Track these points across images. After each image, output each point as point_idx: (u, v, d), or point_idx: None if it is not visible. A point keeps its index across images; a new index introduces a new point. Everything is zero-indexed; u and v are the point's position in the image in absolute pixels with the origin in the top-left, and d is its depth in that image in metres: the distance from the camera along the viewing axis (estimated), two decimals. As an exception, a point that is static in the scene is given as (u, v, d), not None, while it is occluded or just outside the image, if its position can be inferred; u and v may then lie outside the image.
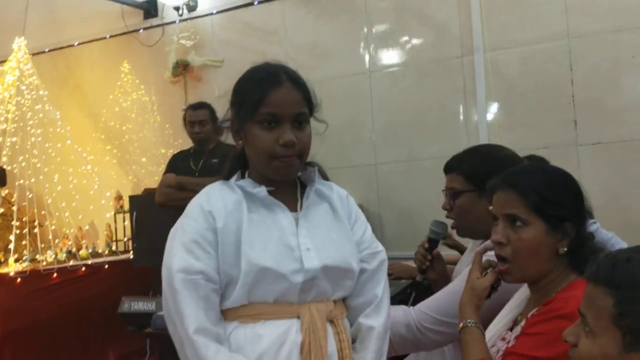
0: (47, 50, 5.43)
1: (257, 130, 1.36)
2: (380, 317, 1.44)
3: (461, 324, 1.48)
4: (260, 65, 1.45)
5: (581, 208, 1.43)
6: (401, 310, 1.79)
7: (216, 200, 1.37)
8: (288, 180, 1.45)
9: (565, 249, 1.39)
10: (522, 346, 1.35)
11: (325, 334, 1.34)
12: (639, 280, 0.96)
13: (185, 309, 1.26)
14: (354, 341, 1.44)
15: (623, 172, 3.38)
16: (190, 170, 3.58)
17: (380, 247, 1.51)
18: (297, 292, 1.34)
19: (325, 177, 1.55)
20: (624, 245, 2.41)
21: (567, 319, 1.23)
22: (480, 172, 1.77)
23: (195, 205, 1.38)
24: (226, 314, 1.34)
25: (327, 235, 1.42)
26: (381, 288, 1.46)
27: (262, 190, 1.39)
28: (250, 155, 1.42)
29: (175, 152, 4.06)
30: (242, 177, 1.45)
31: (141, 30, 4.97)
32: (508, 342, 1.44)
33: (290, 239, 1.36)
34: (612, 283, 0.99)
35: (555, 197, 1.40)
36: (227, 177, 1.45)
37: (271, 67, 1.43)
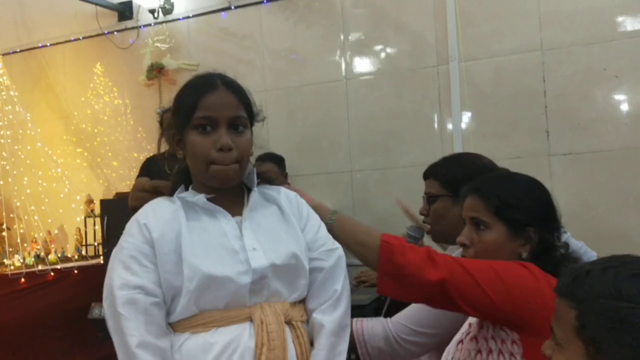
0: (18, 50, 5.32)
1: (193, 136, 1.36)
2: (335, 312, 1.38)
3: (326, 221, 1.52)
4: (200, 74, 1.46)
5: (547, 216, 1.46)
6: (379, 324, 1.80)
7: (153, 212, 1.37)
8: (232, 186, 1.43)
9: (527, 254, 1.42)
10: (494, 262, 1.38)
11: (284, 334, 1.30)
12: (598, 292, 0.98)
13: (124, 325, 1.25)
14: (311, 342, 1.39)
15: (594, 183, 3.44)
16: (164, 174, 3.52)
17: (337, 244, 1.47)
18: (247, 294, 1.31)
19: (269, 182, 1.53)
20: (593, 254, 2.45)
21: (525, 268, 1.33)
22: (456, 178, 1.80)
23: (133, 222, 1.37)
24: (177, 326, 1.31)
25: (275, 235, 1.40)
26: (340, 283, 1.42)
27: (201, 198, 1.38)
28: (189, 163, 1.41)
29: (149, 155, 4.01)
30: (187, 190, 1.45)
31: (115, 33, 4.91)
32: (462, 341, 1.46)
33: (234, 242, 1.34)
34: (573, 296, 1.01)
35: (517, 202, 1.44)
36: (172, 192, 1.45)
37: (207, 75, 1.43)
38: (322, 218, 1.53)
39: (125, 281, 1.28)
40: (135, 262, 1.30)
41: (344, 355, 1.38)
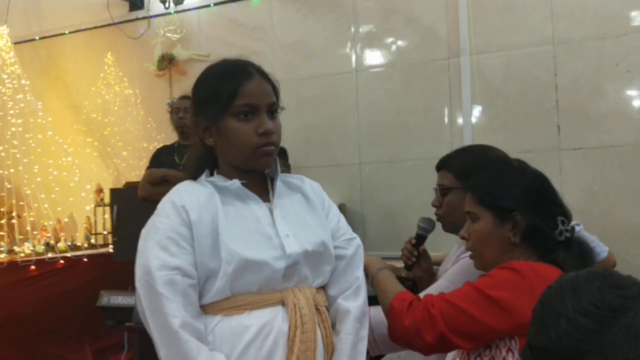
0: (29, 39, 5.34)
1: (234, 123, 1.38)
2: (358, 299, 1.45)
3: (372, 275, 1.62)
4: (221, 61, 1.47)
5: (534, 200, 1.49)
6: None
7: (188, 195, 1.37)
8: (257, 174, 1.46)
9: (517, 238, 1.47)
10: (477, 282, 1.43)
11: (314, 317, 1.36)
12: (596, 329, 0.90)
13: (166, 305, 1.25)
14: (333, 326, 1.44)
15: (604, 177, 3.42)
16: (174, 164, 3.55)
17: (354, 234, 1.55)
18: (280, 279, 1.35)
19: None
20: (605, 249, 2.44)
21: (515, 272, 1.37)
22: (469, 170, 1.79)
23: (167, 202, 1.37)
24: (209, 308, 1.33)
25: (304, 222, 1.44)
26: (361, 271, 1.50)
27: (235, 183, 1.39)
28: (225, 150, 1.42)
29: (159, 146, 4.03)
30: (211, 175, 1.46)
31: (126, 23, 4.91)
32: None
33: (268, 228, 1.38)
34: (584, 355, 0.90)
35: (500, 189, 1.51)
36: (194, 177, 1.45)
37: (238, 61, 1.45)
38: (371, 270, 1.64)
39: (164, 262, 1.27)
40: (172, 243, 1.30)
41: (366, 340, 1.44)
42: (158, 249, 1.29)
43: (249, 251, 1.32)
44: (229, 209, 1.37)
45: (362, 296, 1.47)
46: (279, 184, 1.48)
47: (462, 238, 1.59)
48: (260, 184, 1.47)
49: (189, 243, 1.31)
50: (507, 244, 1.48)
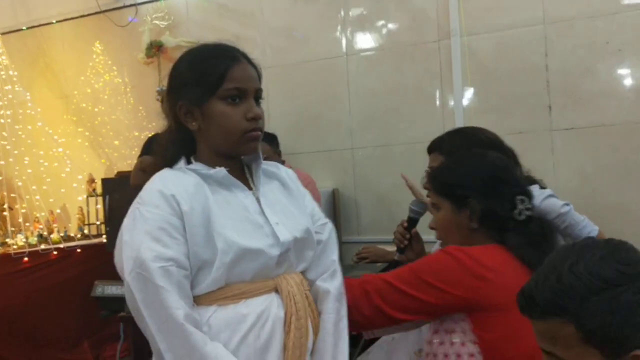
0: (17, 29, 5.28)
1: (222, 106, 1.35)
2: (335, 280, 1.47)
3: None
4: (203, 45, 1.43)
5: (489, 186, 1.53)
6: None
7: (175, 184, 1.33)
8: (236, 161, 1.45)
9: (475, 223, 1.53)
10: (415, 265, 1.52)
11: (306, 303, 1.38)
12: (584, 293, 0.94)
13: (167, 298, 1.22)
14: None
15: (596, 157, 3.43)
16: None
17: (327, 218, 1.57)
18: (274, 267, 1.35)
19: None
20: (595, 228, 2.44)
21: (448, 255, 1.45)
22: (459, 152, 1.79)
23: (153, 191, 1.32)
24: (202, 299, 1.31)
25: (287, 209, 1.45)
26: (336, 254, 1.52)
27: (221, 171, 1.37)
28: (210, 134, 1.38)
29: (150, 134, 4.00)
30: (188, 162, 1.42)
31: (114, 10, 4.85)
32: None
33: (257, 217, 1.37)
34: (561, 310, 0.96)
35: (454, 179, 1.57)
36: (170, 164, 1.41)
37: (223, 45, 1.42)
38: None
39: (158, 253, 1.24)
40: (165, 233, 1.26)
41: (346, 319, 1.45)
42: (150, 240, 1.25)
43: (244, 240, 1.31)
44: (217, 197, 1.35)
45: (339, 278, 1.49)
46: (260, 171, 1.47)
47: (431, 228, 1.65)
48: (239, 171, 1.45)
49: (181, 234, 1.28)
50: (467, 229, 1.54)
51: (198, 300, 1.31)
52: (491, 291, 1.39)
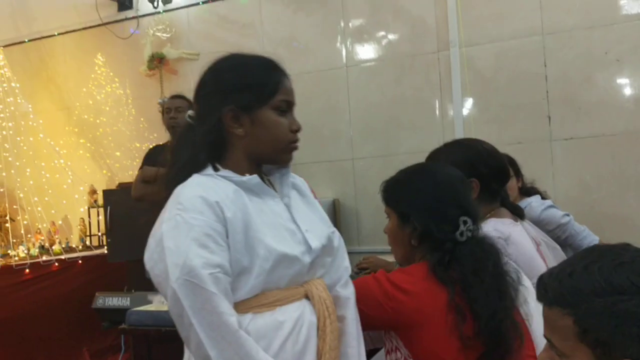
0: (19, 41, 5.31)
1: (273, 116, 1.39)
2: (351, 286, 1.51)
3: None
4: (251, 54, 1.46)
5: (429, 206, 1.55)
6: None
7: (216, 191, 1.31)
8: (259, 170, 1.45)
9: (415, 241, 1.55)
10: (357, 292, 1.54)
11: (335, 309, 1.41)
12: (590, 291, 0.96)
13: (220, 304, 1.21)
14: None
15: (595, 167, 3.44)
16: (167, 163, 3.54)
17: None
18: (305, 273, 1.38)
19: None
20: (595, 239, 2.46)
21: (374, 279, 1.51)
22: (458, 163, 1.80)
23: (195, 198, 1.29)
24: (237, 307, 1.29)
25: (310, 216, 1.47)
26: (347, 261, 1.54)
27: (254, 178, 1.38)
28: (256, 141, 1.39)
29: (151, 146, 4.02)
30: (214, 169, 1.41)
31: (115, 23, 4.89)
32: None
33: (289, 223, 1.39)
34: (565, 302, 0.98)
35: (399, 194, 1.61)
36: (200, 169, 1.39)
37: (271, 58, 1.47)
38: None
39: (207, 260, 1.23)
40: (211, 240, 1.25)
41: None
42: (197, 247, 1.23)
43: (282, 247, 1.32)
44: (254, 204, 1.35)
45: (352, 284, 1.52)
46: (281, 179, 1.49)
47: (384, 232, 1.67)
48: (262, 180, 1.46)
49: (225, 240, 1.27)
50: (409, 245, 1.57)
51: (235, 308, 1.29)
52: (405, 311, 1.45)
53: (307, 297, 1.38)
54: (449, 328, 1.43)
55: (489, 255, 1.52)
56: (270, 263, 1.29)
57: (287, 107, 1.42)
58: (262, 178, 1.44)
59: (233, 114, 1.38)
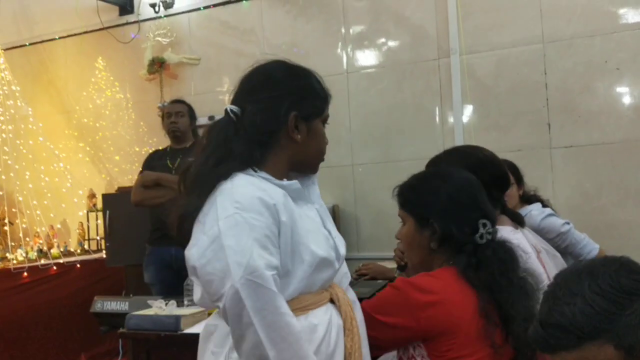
0: (20, 45, 5.32)
1: (322, 128, 1.47)
2: (352, 291, 1.54)
3: None
4: (305, 67, 1.51)
5: (448, 208, 1.54)
6: None
7: (270, 194, 1.31)
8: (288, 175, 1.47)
9: (435, 244, 1.54)
10: (370, 306, 1.53)
11: (354, 312, 1.44)
12: (612, 310, 0.94)
13: (282, 306, 1.23)
14: None
15: (595, 175, 3.44)
16: (167, 168, 3.54)
17: None
18: (334, 278, 1.43)
19: None
20: (595, 247, 2.45)
21: (394, 288, 1.49)
22: (428, 169, 1.82)
23: (254, 198, 1.28)
24: None
25: (332, 223, 1.50)
26: (346, 266, 1.56)
27: (295, 183, 1.39)
28: (305, 149, 1.43)
29: (151, 150, 4.02)
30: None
31: (116, 27, 4.90)
32: None
33: (322, 229, 1.43)
34: (598, 333, 0.94)
35: (418, 197, 1.59)
36: (243, 166, 1.36)
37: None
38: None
39: (268, 261, 1.23)
40: (270, 242, 1.26)
41: None
42: (259, 248, 1.24)
43: (322, 251, 1.35)
44: (297, 209, 1.37)
45: (351, 290, 1.54)
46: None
47: (397, 238, 1.67)
48: None
49: (278, 243, 1.29)
50: (428, 249, 1.56)
51: None
52: (440, 319, 1.42)
53: (331, 300, 1.42)
54: (478, 334, 1.41)
55: (512, 257, 1.52)
56: (313, 268, 1.33)
57: (326, 122, 1.50)
58: None
59: (296, 120, 1.40)
